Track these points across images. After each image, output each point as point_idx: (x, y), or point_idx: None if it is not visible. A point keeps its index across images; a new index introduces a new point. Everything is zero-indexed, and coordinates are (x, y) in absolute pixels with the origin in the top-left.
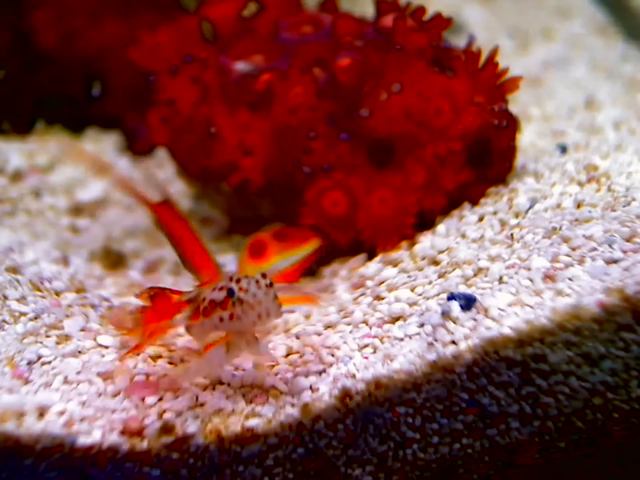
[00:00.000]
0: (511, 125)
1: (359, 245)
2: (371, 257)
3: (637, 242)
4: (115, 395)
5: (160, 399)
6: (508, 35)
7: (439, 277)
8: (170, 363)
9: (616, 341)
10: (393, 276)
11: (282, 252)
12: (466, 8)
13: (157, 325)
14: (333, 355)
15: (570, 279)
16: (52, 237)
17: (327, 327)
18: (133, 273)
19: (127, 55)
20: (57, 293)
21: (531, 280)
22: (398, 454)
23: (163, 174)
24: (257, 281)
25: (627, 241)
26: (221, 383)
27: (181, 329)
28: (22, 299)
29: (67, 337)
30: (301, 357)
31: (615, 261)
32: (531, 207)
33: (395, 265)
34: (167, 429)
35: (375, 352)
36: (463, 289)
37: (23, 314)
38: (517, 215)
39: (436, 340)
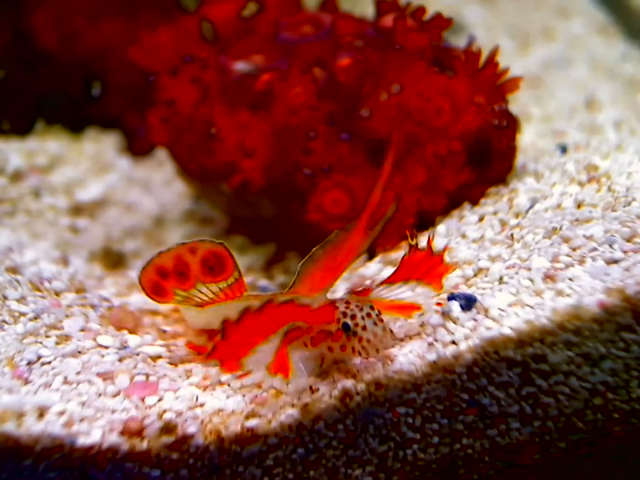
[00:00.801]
0: (511, 125)
1: None
2: (371, 257)
3: (638, 242)
4: (115, 395)
5: (160, 399)
6: (508, 34)
7: None
8: (170, 364)
9: (616, 341)
10: None
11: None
12: (466, 8)
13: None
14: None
15: (570, 279)
16: (52, 237)
17: None
18: (133, 273)
19: (127, 54)
20: (57, 293)
21: (531, 280)
22: (398, 454)
23: (163, 174)
24: (369, 315)
25: (628, 241)
26: (221, 383)
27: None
28: (22, 299)
29: (67, 337)
30: None
31: (616, 261)
32: (531, 207)
33: (395, 265)
34: (166, 429)
35: None
36: (463, 289)
37: (23, 314)
38: (517, 215)
39: (436, 340)
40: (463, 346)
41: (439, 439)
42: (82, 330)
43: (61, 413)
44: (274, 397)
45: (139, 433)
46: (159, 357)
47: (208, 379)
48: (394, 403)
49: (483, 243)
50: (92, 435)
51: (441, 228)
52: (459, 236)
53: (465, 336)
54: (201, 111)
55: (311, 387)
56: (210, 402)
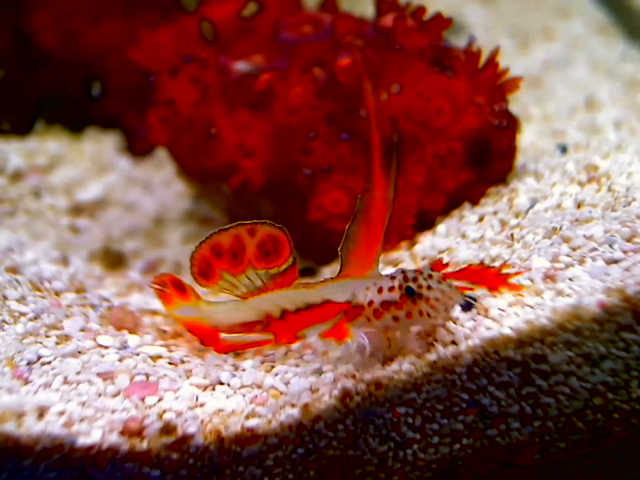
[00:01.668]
0: (511, 125)
1: None
2: None
3: (638, 242)
4: (114, 395)
5: (160, 399)
6: (508, 34)
7: None
8: (170, 364)
9: (616, 341)
10: None
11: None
12: (466, 8)
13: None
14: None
15: (570, 279)
16: (52, 237)
17: None
18: (133, 273)
19: (127, 55)
20: (57, 293)
21: (532, 280)
22: (398, 454)
23: (163, 174)
24: (430, 276)
25: (628, 241)
26: (221, 383)
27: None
28: (22, 299)
29: (67, 337)
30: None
31: (616, 261)
32: (531, 207)
33: (395, 265)
34: (167, 429)
35: None
36: None
37: (23, 314)
38: (517, 215)
39: (436, 340)
40: (463, 346)
41: (438, 439)
42: (82, 330)
43: (61, 413)
44: (274, 397)
45: (139, 433)
46: (159, 356)
47: (208, 378)
48: (394, 403)
49: (483, 242)
50: (92, 435)
51: (441, 228)
52: (459, 236)
53: (465, 336)
54: (201, 111)
55: (310, 387)
56: (210, 402)
